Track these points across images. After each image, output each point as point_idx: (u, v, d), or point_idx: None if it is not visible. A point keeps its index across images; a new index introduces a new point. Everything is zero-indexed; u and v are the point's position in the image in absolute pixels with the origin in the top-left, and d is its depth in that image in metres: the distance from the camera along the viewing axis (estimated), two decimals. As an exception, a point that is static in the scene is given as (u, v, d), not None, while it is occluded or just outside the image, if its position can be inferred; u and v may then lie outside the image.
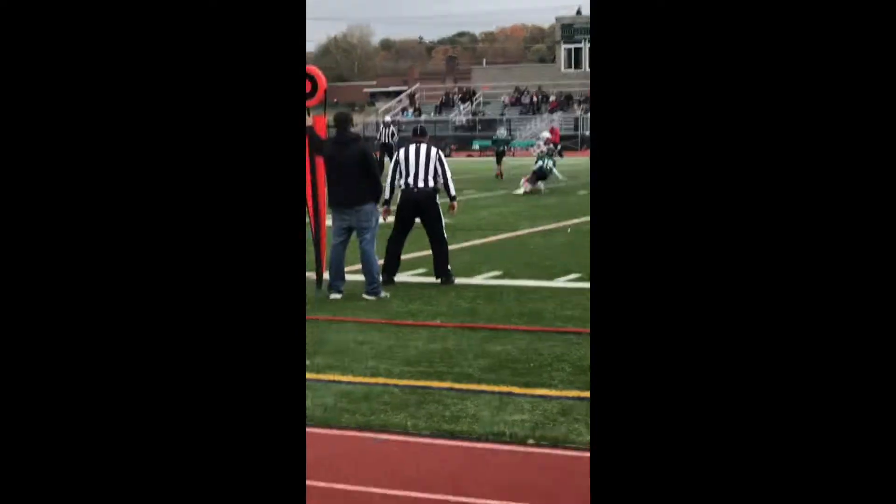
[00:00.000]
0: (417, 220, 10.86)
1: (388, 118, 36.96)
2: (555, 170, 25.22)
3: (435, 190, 10.75)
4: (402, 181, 10.70)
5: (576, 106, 59.78)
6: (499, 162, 31.11)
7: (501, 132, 34.48)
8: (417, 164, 10.68)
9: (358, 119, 59.72)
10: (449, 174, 10.84)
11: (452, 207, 11.29)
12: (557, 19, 66.56)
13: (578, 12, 66.30)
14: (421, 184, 10.65)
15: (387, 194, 10.64)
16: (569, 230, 15.90)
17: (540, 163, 24.69)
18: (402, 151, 10.90)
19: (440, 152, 10.95)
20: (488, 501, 4.62)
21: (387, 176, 10.85)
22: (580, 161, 35.99)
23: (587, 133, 55.29)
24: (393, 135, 30.14)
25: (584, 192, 24.14)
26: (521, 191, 23.95)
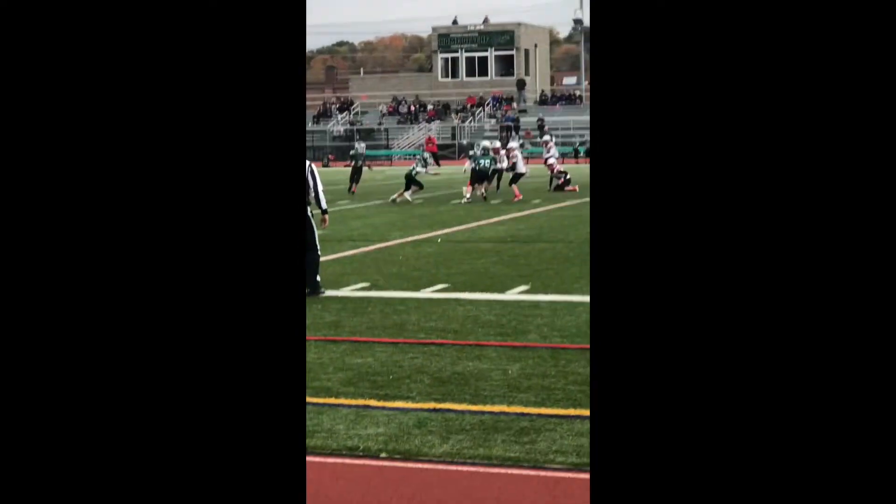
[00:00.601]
0: None
1: None
2: (423, 170, 25.61)
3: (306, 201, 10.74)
4: None
5: (453, 115, 60.14)
6: (356, 178, 28.76)
7: (359, 147, 31.35)
8: None
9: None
10: (321, 188, 10.81)
11: (324, 221, 11.27)
12: (434, 29, 66.88)
13: (454, 22, 66.74)
14: None
15: None
16: (439, 240, 16.00)
17: (482, 164, 24.90)
18: None
19: (312, 165, 10.92)
20: (335, 517, 4.62)
21: None
22: (457, 170, 36.21)
23: (464, 142, 55.71)
24: None
25: (457, 202, 24.35)
26: (465, 199, 24.19)
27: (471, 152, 26.23)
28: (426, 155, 28.62)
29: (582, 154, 48.81)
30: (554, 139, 35.04)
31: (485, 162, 24.87)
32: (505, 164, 25.79)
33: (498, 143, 27.88)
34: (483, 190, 24.59)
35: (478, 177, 24.76)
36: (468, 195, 24.41)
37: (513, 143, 28.37)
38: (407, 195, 24.61)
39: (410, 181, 25.08)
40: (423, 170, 25.76)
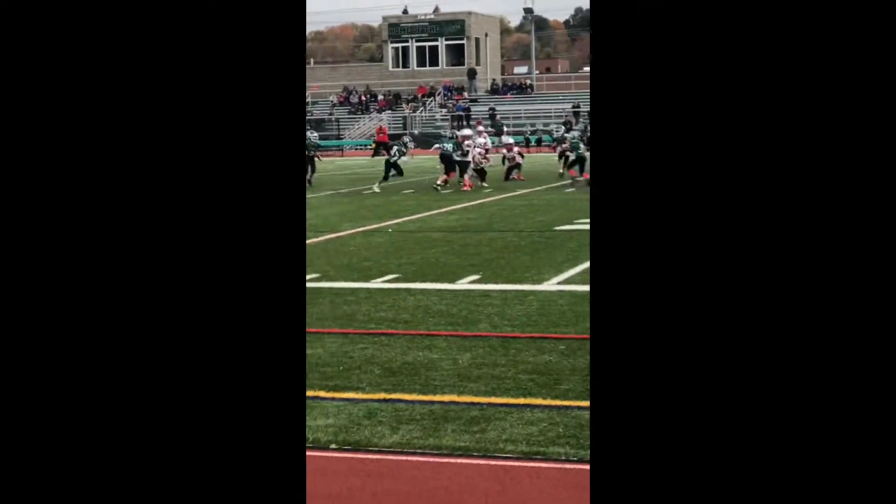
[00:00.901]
0: None
1: None
2: (405, 158, 25.81)
3: None
4: None
5: (404, 105, 60.09)
6: (312, 168, 27.56)
7: (311, 136, 29.37)
8: None
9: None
10: None
11: None
12: (384, 18, 66.73)
13: (405, 11, 66.63)
14: None
15: None
16: (390, 230, 15.99)
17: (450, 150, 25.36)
18: None
19: None
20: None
21: None
22: (409, 160, 36.14)
23: (416, 132, 55.71)
24: None
25: (409, 192, 24.34)
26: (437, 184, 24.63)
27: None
28: (406, 139, 28.43)
29: (533, 143, 48.92)
30: (506, 128, 35.13)
31: (448, 146, 25.18)
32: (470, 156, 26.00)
33: (467, 131, 28.06)
34: (442, 180, 24.76)
35: (446, 162, 25.14)
36: (439, 182, 24.67)
37: (466, 131, 28.44)
38: (376, 186, 24.73)
39: (390, 167, 25.22)
40: (405, 157, 25.77)
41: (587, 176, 25.88)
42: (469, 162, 25.54)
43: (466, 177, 24.98)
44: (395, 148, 26.11)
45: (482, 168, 25.74)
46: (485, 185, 25.16)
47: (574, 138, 27.63)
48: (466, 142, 25.70)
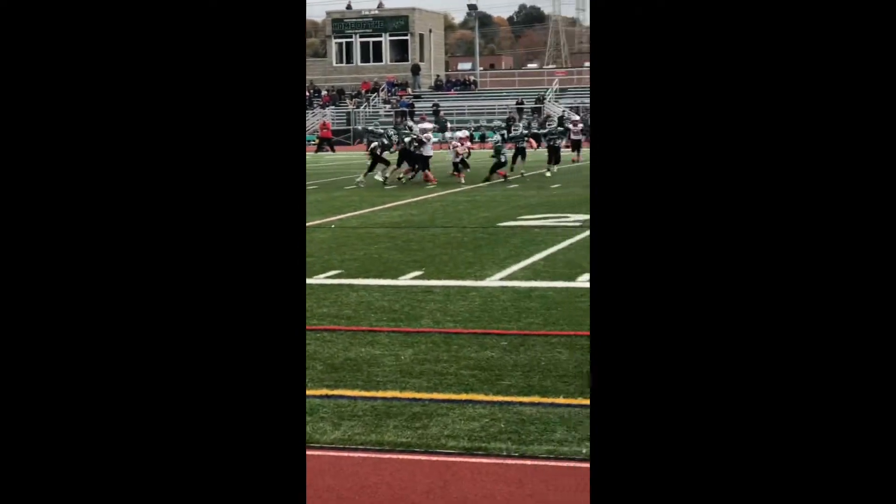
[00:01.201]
0: None
1: None
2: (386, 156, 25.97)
3: None
4: None
5: (348, 101, 59.91)
6: None
7: None
8: None
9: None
10: None
11: None
12: (328, 13, 66.49)
13: (349, 7, 66.43)
14: None
15: None
16: (332, 226, 15.94)
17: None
18: None
19: None
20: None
21: None
22: (353, 156, 36.08)
23: (359, 127, 55.56)
24: None
25: (351, 188, 24.29)
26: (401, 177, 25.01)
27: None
28: (391, 132, 27.76)
29: (476, 139, 48.96)
30: (450, 124, 35.09)
31: (377, 140, 25.43)
32: (431, 151, 25.95)
33: (427, 125, 28.10)
34: (402, 173, 24.96)
35: (405, 156, 25.24)
36: (402, 174, 25.06)
37: (426, 125, 28.37)
38: (400, 172, 25.07)
39: (377, 160, 25.21)
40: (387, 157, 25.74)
41: (503, 173, 25.99)
42: (430, 156, 25.56)
43: (429, 172, 24.94)
44: (375, 144, 25.72)
45: (464, 160, 25.86)
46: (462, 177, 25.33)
47: (497, 142, 27.47)
48: (426, 135, 25.66)
